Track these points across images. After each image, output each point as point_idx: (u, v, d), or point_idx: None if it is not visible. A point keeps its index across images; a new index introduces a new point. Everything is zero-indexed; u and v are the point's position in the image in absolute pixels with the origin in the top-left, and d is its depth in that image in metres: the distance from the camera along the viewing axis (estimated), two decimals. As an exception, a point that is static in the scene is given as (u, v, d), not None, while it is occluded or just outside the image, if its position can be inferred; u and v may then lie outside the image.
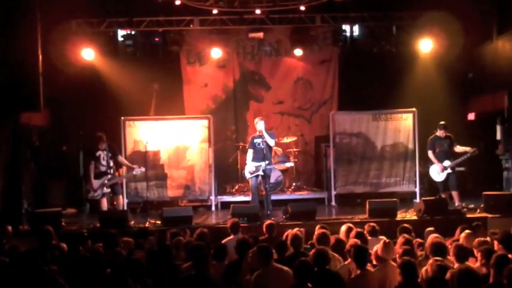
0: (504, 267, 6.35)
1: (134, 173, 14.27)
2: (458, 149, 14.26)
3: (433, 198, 14.14)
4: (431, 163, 14.48)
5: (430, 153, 14.48)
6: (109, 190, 13.93)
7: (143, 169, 14.26)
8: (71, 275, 7.39)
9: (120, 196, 14.32)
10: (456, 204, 14.15)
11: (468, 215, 13.39)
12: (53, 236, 9.90)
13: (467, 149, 14.16)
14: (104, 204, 13.96)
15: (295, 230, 9.34)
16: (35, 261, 7.42)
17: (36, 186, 15.91)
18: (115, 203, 14.27)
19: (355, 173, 16.28)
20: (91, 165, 13.85)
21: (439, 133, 14.37)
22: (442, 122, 14.52)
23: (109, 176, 13.87)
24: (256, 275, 7.40)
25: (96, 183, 13.76)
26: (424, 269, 7.27)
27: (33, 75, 13.24)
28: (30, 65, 13.20)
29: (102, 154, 13.91)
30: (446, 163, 14.22)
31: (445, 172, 14.25)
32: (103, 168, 13.89)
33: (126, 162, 14.44)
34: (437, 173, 14.40)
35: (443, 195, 14.35)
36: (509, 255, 7.54)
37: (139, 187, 15.52)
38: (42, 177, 16.31)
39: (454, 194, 14.33)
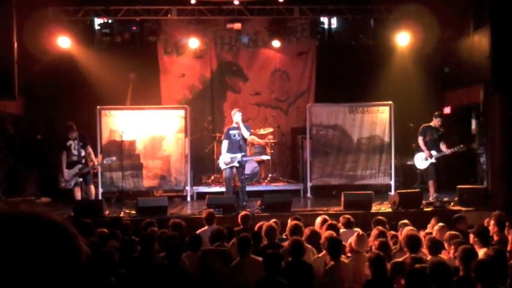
0: (471, 260, 6.40)
1: (105, 162, 14.26)
2: (443, 148, 14.30)
3: (408, 191, 14.23)
4: (419, 150, 14.53)
5: (420, 140, 14.48)
6: (81, 179, 13.86)
7: (114, 158, 14.26)
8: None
9: (91, 186, 14.21)
10: (430, 194, 14.25)
11: (442, 208, 13.49)
12: None
13: (448, 151, 14.25)
14: (78, 193, 13.88)
15: (272, 221, 9.35)
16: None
17: (10, 174, 15.79)
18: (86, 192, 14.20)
19: (331, 165, 16.31)
20: (63, 155, 13.77)
21: (434, 122, 14.40)
22: (440, 112, 14.64)
23: (80, 166, 13.80)
24: (232, 264, 7.43)
25: (67, 173, 13.69)
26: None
27: (8, 63, 13.12)
28: (5, 53, 13.08)
29: (73, 144, 13.82)
30: (434, 152, 14.26)
31: (429, 161, 14.30)
32: (74, 158, 13.81)
33: (92, 155, 14.25)
34: (422, 160, 14.45)
35: (415, 185, 14.52)
36: (485, 249, 7.62)
37: (115, 177, 15.42)
38: (16, 165, 16.19)
39: (431, 183, 14.43)
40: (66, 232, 1.63)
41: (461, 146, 14.25)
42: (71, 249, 1.61)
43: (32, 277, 1.51)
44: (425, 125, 14.59)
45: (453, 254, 7.64)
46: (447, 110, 17.77)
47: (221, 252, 7.92)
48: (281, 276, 6.71)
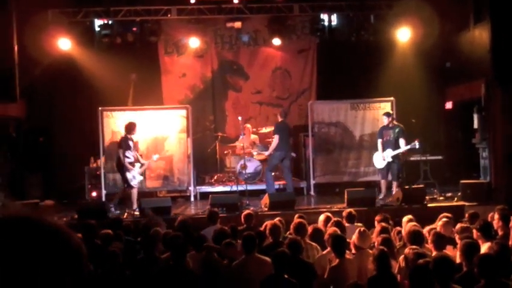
0: (473, 255, 6.37)
1: (154, 158, 14.44)
2: (401, 144, 14.24)
3: (411, 186, 14.22)
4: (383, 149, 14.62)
5: (378, 142, 14.63)
6: (141, 178, 14.00)
7: (157, 155, 14.51)
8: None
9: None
10: (393, 193, 14.22)
11: (446, 204, 13.48)
12: None
13: (406, 148, 14.22)
14: (135, 193, 13.91)
15: (276, 219, 9.34)
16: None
17: (14, 178, 15.79)
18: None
19: (333, 162, 16.31)
20: (126, 153, 13.68)
21: (385, 121, 14.50)
22: (386, 111, 14.70)
23: (140, 164, 13.91)
24: (237, 263, 7.43)
25: (135, 172, 13.74)
26: (401, 257, 7.30)
27: (9, 66, 13.13)
28: (5, 56, 13.11)
29: (132, 143, 13.86)
30: (387, 153, 14.31)
31: (386, 161, 14.36)
32: (134, 158, 13.85)
33: (139, 156, 14.39)
34: (379, 160, 14.52)
35: (382, 183, 14.52)
36: (489, 243, 7.60)
37: (118, 178, 15.40)
38: (19, 169, 16.19)
39: (394, 184, 14.54)
40: (64, 235, 1.62)
41: (416, 143, 14.13)
42: (70, 252, 1.61)
43: (31, 282, 1.51)
44: (382, 126, 14.64)
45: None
46: (449, 105, 17.75)
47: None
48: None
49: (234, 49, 18.58)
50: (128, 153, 13.71)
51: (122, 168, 13.82)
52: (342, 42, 18.49)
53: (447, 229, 8.74)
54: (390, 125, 14.45)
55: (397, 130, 14.35)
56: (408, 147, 14.12)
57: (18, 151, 16.50)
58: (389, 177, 14.76)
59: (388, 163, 14.37)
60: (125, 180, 13.82)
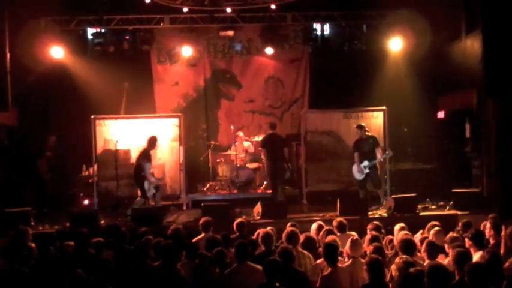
0: (465, 263, 6.37)
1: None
2: (377, 154, 14.35)
3: (403, 195, 14.23)
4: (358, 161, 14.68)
5: (355, 155, 14.65)
6: (154, 191, 14.25)
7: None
8: (41, 276, 7.32)
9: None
10: (381, 201, 14.30)
11: (438, 212, 13.50)
12: (28, 237, 9.77)
13: (380, 158, 14.36)
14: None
15: (268, 228, 9.34)
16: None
17: (6, 185, 15.72)
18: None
19: (326, 171, 16.30)
20: (147, 164, 14.03)
21: (358, 134, 14.55)
22: (359, 124, 14.78)
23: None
24: (229, 271, 7.43)
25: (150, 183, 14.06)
26: (393, 266, 7.30)
27: (1, 74, 13.11)
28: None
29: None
30: (364, 164, 14.38)
31: (364, 172, 14.41)
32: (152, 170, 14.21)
33: None
34: (357, 172, 14.57)
35: (360, 193, 14.57)
36: (481, 252, 7.62)
37: (110, 186, 15.37)
38: (11, 176, 16.12)
39: (380, 192, 14.64)
40: None
41: (387, 152, 14.35)
42: None
43: None
44: (356, 139, 14.70)
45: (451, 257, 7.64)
46: (441, 115, 17.79)
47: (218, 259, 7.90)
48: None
49: (227, 58, 18.60)
50: (149, 166, 14.06)
51: (142, 179, 14.10)
52: (334, 52, 18.55)
53: (439, 238, 8.75)
54: (364, 137, 14.53)
55: (371, 141, 14.46)
56: (384, 156, 14.26)
57: (10, 159, 16.43)
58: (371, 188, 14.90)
59: (367, 174, 14.43)
60: (142, 191, 14.19)
